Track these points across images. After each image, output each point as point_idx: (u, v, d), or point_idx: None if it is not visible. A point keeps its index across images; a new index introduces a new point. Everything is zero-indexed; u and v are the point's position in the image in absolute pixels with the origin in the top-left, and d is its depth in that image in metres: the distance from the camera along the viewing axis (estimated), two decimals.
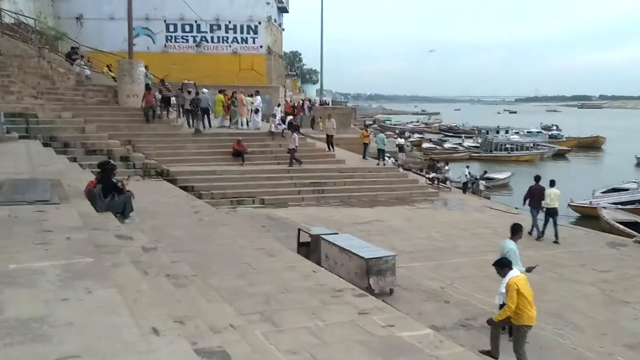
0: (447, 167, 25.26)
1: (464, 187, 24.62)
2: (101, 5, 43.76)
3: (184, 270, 7.11)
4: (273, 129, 22.12)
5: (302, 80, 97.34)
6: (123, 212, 9.19)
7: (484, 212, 18.83)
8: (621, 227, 19.78)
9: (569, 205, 24.72)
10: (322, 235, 10.98)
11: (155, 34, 45.01)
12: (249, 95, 24.21)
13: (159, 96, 21.62)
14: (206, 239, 10.17)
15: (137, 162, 18.37)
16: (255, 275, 8.27)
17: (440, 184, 23.92)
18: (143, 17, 42.57)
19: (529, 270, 8.01)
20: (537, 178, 15.75)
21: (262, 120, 24.51)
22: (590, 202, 24.71)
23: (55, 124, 18.63)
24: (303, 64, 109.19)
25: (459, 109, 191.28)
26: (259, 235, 11.15)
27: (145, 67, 22.96)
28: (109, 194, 8.99)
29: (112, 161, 10.79)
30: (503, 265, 7.14)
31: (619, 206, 23.76)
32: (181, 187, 17.48)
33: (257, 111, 23.44)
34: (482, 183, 27.17)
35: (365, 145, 24.12)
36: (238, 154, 20.31)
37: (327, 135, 23.52)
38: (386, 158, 26.97)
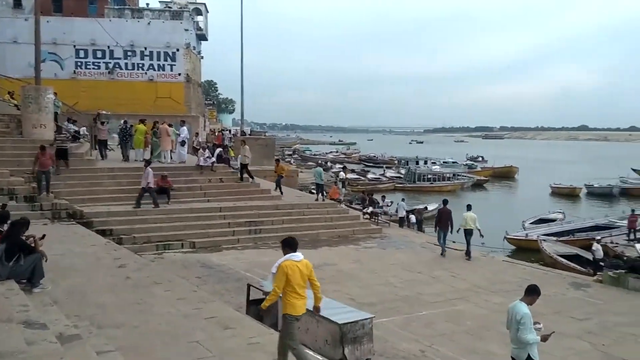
0: (388, 201, 24.24)
1: (401, 222, 23.68)
2: (3, 28, 40.10)
3: None
4: (201, 163, 20.14)
5: (217, 110, 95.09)
6: (31, 278, 7.08)
7: (433, 250, 17.77)
8: (564, 260, 19.48)
9: (505, 238, 24.42)
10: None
11: (63, 60, 41.73)
12: (169, 125, 21.98)
13: (71, 126, 19.09)
14: (139, 305, 8.15)
15: (45, 202, 15.77)
16: None
17: (379, 218, 22.83)
18: (50, 42, 39.28)
19: (544, 339, 6.69)
20: (445, 202, 17.67)
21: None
22: (526, 234, 24.52)
23: None
24: (219, 93, 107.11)
25: (371, 139, 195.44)
26: (204, 296, 9.23)
27: (54, 93, 20.34)
28: (14, 256, 6.86)
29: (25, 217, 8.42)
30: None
31: (554, 238, 23.67)
32: (98, 232, 15.11)
33: (183, 143, 21.37)
34: (412, 216, 26.37)
35: (280, 177, 22.33)
36: (163, 191, 18.13)
37: (241, 164, 20.88)
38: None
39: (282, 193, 21.04)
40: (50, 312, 6.25)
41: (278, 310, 9.26)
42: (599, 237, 19.58)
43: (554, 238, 23.49)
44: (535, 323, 6.63)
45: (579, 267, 18.57)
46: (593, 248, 17.98)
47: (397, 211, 24.67)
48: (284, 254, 6.20)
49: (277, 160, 23.48)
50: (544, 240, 21.99)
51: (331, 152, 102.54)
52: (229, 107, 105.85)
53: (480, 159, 75.62)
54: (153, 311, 7.91)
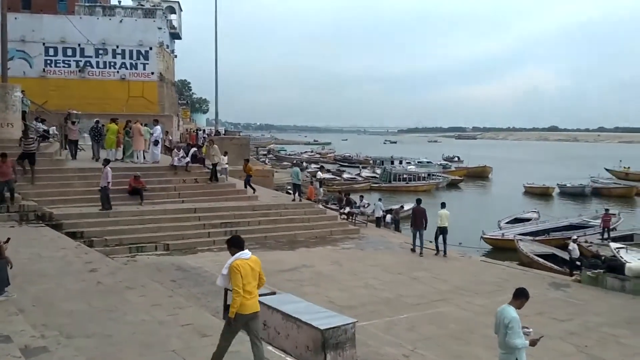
0: (365, 202, 24.05)
1: (378, 222, 23.52)
2: None
3: None
4: (175, 163, 19.66)
5: (191, 110, 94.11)
6: None
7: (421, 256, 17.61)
8: (541, 260, 19.57)
9: (481, 237, 24.50)
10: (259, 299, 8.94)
11: (32, 58, 40.54)
12: (142, 124, 21.40)
13: (40, 126, 18.37)
14: (112, 313, 7.76)
15: (14, 204, 15.15)
16: None
17: (356, 219, 22.63)
18: (18, 39, 38.15)
19: (533, 344, 6.51)
20: (419, 201, 17.87)
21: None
22: (503, 234, 24.60)
23: None
24: (192, 93, 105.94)
25: (346, 139, 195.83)
26: (179, 302, 8.86)
27: (22, 92, 19.62)
28: None
29: None
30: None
31: (530, 237, 23.77)
32: (67, 234, 14.57)
33: (156, 142, 20.83)
34: (388, 216, 26.21)
35: (249, 176, 21.89)
36: (135, 192, 17.65)
37: (212, 164, 20.15)
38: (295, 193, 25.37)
39: (254, 191, 20.74)
40: (15, 322, 5.85)
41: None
42: (575, 237, 19.68)
43: (530, 237, 23.61)
44: (524, 327, 6.47)
45: (556, 267, 18.67)
46: (569, 248, 18.05)
47: (374, 211, 24.52)
48: (232, 254, 6.02)
49: (247, 160, 23.09)
50: (520, 240, 22.07)
51: (306, 152, 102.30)
52: (202, 107, 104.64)
53: (456, 159, 76.18)
54: (126, 319, 7.53)
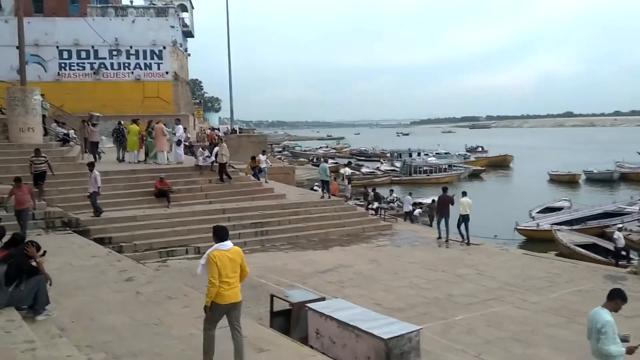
0: (394, 195, 23.34)
1: (408, 217, 22.81)
2: None
3: None
4: (201, 162, 19.12)
5: (204, 109, 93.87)
6: (33, 304, 6.09)
7: (447, 245, 16.95)
8: (583, 251, 18.74)
9: (515, 228, 23.69)
10: (309, 305, 8.35)
11: (46, 62, 40.32)
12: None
13: (60, 130, 17.89)
14: (156, 327, 7.19)
15: (38, 211, 14.63)
16: None
17: (386, 214, 21.96)
18: (32, 43, 37.82)
19: (631, 351, 5.80)
20: (444, 189, 18.26)
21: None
22: (538, 224, 23.75)
23: None
24: (204, 92, 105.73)
25: (358, 133, 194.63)
26: None
27: (42, 95, 19.18)
28: (14, 280, 5.88)
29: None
30: None
31: (566, 227, 22.92)
32: (96, 240, 14.09)
33: (179, 143, 20.31)
34: (416, 210, 25.49)
35: (257, 169, 21.70)
36: (162, 194, 17.15)
37: (219, 163, 19.07)
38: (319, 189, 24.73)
39: (262, 180, 21.05)
40: (59, 346, 5.30)
41: (308, 323, 8.42)
42: (620, 225, 18.83)
43: (566, 227, 22.76)
44: (622, 333, 5.80)
45: (599, 257, 17.87)
46: (615, 236, 17.24)
47: (402, 206, 23.82)
48: (215, 243, 6.08)
49: (253, 158, 22.57)
50: (558, 230, 21.21)
51: (321, 147, 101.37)
52: (214, 106, 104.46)
53: (479, 149, 74.75)
54: (173, 333, 6.95)
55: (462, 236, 17.08)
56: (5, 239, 7.08)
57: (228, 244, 6.06)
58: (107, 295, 8.65)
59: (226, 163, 19.18)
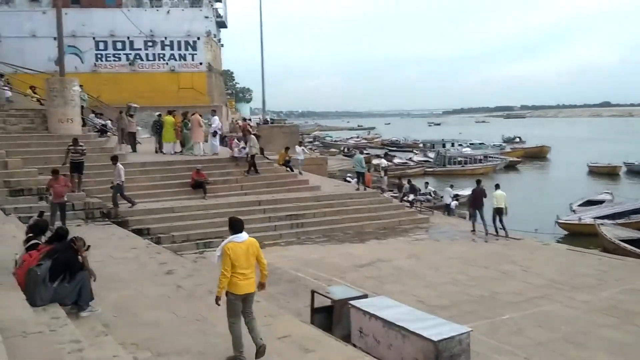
0: (431, 188, 22.90)
1: (448, 209, 22.36)
2: (21, 23, 39.25)
3: None
4: (236, 154, 19.03)
5: (235, 99, 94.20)
6: (77, 300, 6.01)
7: (487, 239, 16.51)
8: (628, 247, 18.03)
9: (556, 222, 23.00)
10: (352, 302, 8.13)
11: (83, 53, 40.81)
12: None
13: (98, 121, 18.00)
14: (199, 323, 7.07)
15: (77, 201, 14.80)
16: None
17: (422, 207, 21.56)
18: (69, 34, 38.26)
19: None
20: (478, 182, 18.18)
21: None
22: (580, 218, 23.02)
23: None
24: (236, 83, 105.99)
25: (389, 123, 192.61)
26: (269, 309, 8.08)
27: (80, 86, 19.34)
28: (59, 275, 5.80)
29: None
30: None
31: (609, 221, 22.13)
32: (134, 231, 14.16)
33: (215, 134, 20.25)
34: (453, 202, 24.95)
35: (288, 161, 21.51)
36: (198, 185, 17.12)
37: (250, 155, 18.71)
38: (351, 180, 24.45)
39: (296, 171, 21.03)
40: (105, 344, 5.20)
41: (350, 321, 8.20)
42: None
43: (609, 221, 21.97)
44: None
45: None
46: None
47: (435, 197, 23.36)
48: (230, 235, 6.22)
49: (287, 149, 22.40)
50: (602, 224, 20.47)
51: (352, 137, 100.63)
52: (246, 96, 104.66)
53: (517, 139, 73.00)
54: (216, 331, 6.80)
55: (497, 230, 16.85)
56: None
57: (243, 235, 6.17)
58: (148, 289, 8.58)
59: (255, 155, 19.04)
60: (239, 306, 6.11)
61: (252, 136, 19.40)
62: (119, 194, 15.08)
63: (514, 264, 13.35)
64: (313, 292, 8.92)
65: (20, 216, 13.28)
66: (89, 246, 6.30)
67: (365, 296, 8.70)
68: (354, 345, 7.72)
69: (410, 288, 11.25)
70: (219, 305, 6.11)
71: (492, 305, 10.23)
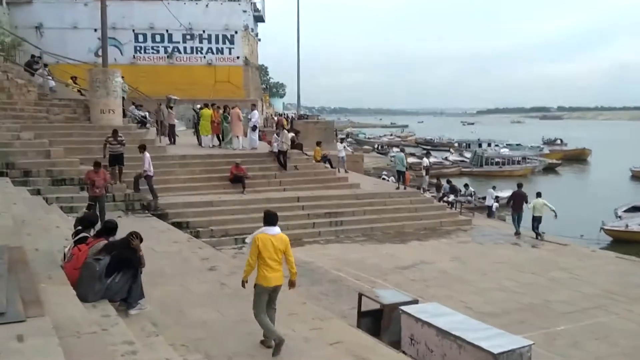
0: (471, 189, 22.35)
1: (490, 211, 21.77)
2: (63, 14, 39.72)
3: None
4: (275, 149, 18.82)
5: (269, 94, 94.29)
6: (127, 298, 5.83)
7: (533, 244, 15.96)
8: None
9: (601, 228, 22.21)
10: (402, 308, 7.80)
11: (122, 45, 41.11)
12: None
13: (138, 112, 18.00)
14: (246, 325, 6.81)
15: (117, 193, 14.81)
16: None
17: (463, 208, 21.02)
18: (110, 27, 38.50)
19: None
20: (519, 185, 18.36)
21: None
22: (627, 225, 22.16)
23: (12, 147, 14.97)
24: (270, 77, 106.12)
25: (422, 121, 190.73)
26: (317, 311, 7.82)
27: (122, 77, 19.40)
28: (114, 271, 5.63)
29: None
30: None
31: None
32: (173, 224, 14.10)
33: (254, 128, 20.07)
34: (494, 204, 24.31)
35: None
36: (237, 180, 16.98)
37: (279, 151, 18.46)
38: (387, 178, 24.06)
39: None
40: (156, 345, 4.99)
41: (400, 327, 7.88)
42: None
43: None
44: None
45: None
46: None
47: (475, 198, 22.77)
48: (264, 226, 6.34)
49: (319, 143, 22.24)
50: None
51: (385, 135, 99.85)
52: (279, 91, 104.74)
53: (558, 141, 71.20)
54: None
55: (537, 236, 16.84)
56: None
57: (275, 229, 6.32)
58: (192, 286, 8.41)
59: (287, 151, 18.76)
60: (264, 298, 6.23)
61: (285, 131, 19.16)
62: (147, 186, 14.90)
63: (562, 270, 12.81)
64: (360, 295, 8.62)
65: (62, 206, 13.34)
66: (141, 239, 6.12)
67: (415, 301, 8.38)
68: (404, 352, 7.41)
69: (457, 293, 10.84)
70: (244, 287, 6.34)
71: (545, 315, 9.77)
